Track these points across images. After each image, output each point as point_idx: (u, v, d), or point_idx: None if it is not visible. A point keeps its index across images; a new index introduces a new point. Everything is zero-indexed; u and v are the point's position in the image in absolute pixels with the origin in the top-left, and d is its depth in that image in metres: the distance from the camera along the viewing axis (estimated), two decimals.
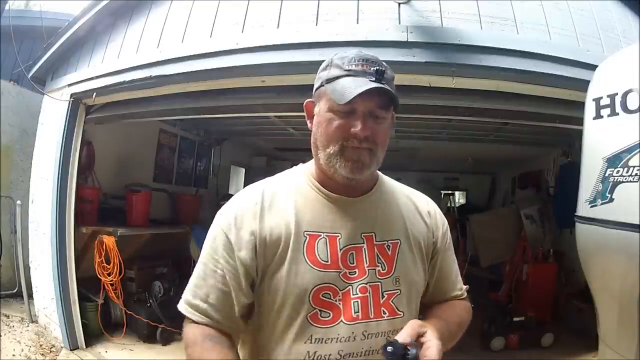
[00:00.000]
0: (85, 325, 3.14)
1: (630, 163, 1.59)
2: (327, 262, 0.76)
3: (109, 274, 3.12)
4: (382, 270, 0.79)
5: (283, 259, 0.76)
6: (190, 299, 0.78)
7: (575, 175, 1.95)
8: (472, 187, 8.82)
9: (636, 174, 1.57)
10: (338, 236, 0.78)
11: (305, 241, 0.77)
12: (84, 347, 3.07)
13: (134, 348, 3.20)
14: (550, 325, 3.55)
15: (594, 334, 2.01)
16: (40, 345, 3.03)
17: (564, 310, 3.91)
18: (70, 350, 2.99)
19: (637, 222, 1.53)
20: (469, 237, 5.04)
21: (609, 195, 1.67)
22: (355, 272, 0.77)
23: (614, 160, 1.66)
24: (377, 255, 0.79)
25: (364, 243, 0.79)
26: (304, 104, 0.85)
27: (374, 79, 0.73)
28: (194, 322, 0.77)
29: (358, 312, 0.76)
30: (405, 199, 0.90)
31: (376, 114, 0.76)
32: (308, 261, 0.76)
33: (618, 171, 1.64)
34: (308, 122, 0.84)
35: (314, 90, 0.82)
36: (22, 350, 2.90)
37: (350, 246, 0.78)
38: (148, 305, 3.32)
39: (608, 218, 1.67)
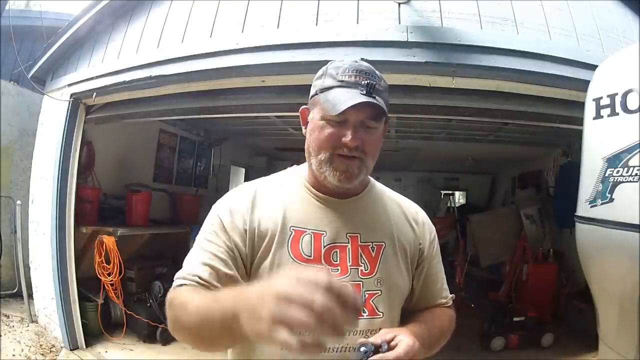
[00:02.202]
0: (85, 325, 3.14)
1: (630, 163, 1.59)
2: (310, 257, 0.79)
3: (109, 274, 3.12)
4: (365, 270, 0.81)
5: (268, 250, 0.79)
6: (182, 275, 0.77)
7: (575, 175, 1.95)
8: (472, 187, 8.82)
9: (636, 174, 1.57)
10: (323, 234, 0.81)
11: (290, 236, 0.80)
12: (84, 347, 3.07)
13: (134, 348, 3.20)
14: (550, 325, 3.55)
15: (594, 334, 2.01)
16: (40, 345, 3.03)
17: (564, 310, 3.91)
18: (70, 350, 2.99)
19: (637, 222, 1.54)
20: (469, 237, 5.04)
21: (609, 195, 1.67)
22: (337, 269, 0.80)
23: (614, 160, 1.66)
24: (361, 256, 0.82)
25: (348, 243, 0.82)
26: (300, 110, 0.88)
27: (364, 91, 0.75)
28: (179, 287, 0.76)
29: None
30: (394, 205, 0.92)
31: (367, 125, 0.78)
32: (291, 254, 0.79)
33: (618, 171, 1.64)
34: (303, 128, 0.87)
35: (309, 97, 0.85)
36: (22, 350, 2.90)
37: (334, 244, 0.81)
38: (148, 305, 3.32)
39: (608, 218, 1.68)
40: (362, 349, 0.70)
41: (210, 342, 0.71)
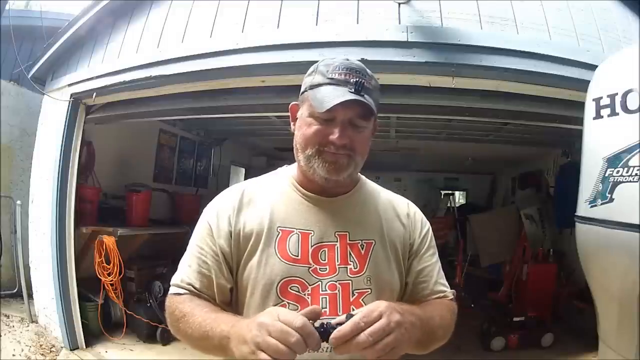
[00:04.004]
0: (85, 325, 3.14)
1: (630, 163, 1.59)
2: (297, 256, 0.79)
3: (109, 274, 3.12)
4: (354, 268, 0.80)
5: (255, 250, 0.80)
6: (177, 282, 0.82)
7: (575, 175, 1.95)
8: (472, 187, 8.83)
9: (636, 174, 1.57)
10: (310, 233, 0.81)
11: (277, 236, 0.80)
12: (84, 347, 3.06)
13: (134, 348, 3.20)
14: (550, 325, 3.55)
15: (594, 334, 2.01)
16: (40, 345, 3.03)
17: (564, 310, 3.91)
18: (70, 350, 2.99)
19: (637, 222, 1.53)
20: (469, 237, 5.03)
21: (609, 195, 1.67)
22: (326, 268, 0.79)
23: (614, 160, 1.66)
24: (350, 254, 0.81)
25: (337, 241, 0.81)
26: (290, 106, 0.88)
27: (353, 89, 0.75)
28: (176, 296, 0.82)
29: (326, 308, 0.77)
30: (385, 201, 0.91)
31: (355, 123, 0.78)
32: (278, 254, 0.79)
33: (618, 171, 1.64)
34: (291, 124, 0.87)
35: (300, 93, 0.84)
36: (22, 350, 2.90)
37: (322, 243, 0.81)
38: (148, 305, 3.32)
39: (608, 218, 1.67)
40: (316, 324, 0.62)
41: (207, 352, 0.77)
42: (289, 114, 0.89)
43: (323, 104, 0.74)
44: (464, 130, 4.34)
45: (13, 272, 3.66)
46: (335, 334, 0.61)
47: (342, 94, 0.74)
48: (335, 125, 0.76)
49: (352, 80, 0.76)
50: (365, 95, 0.76)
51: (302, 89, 0.83)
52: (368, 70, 0.80)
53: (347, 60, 0.79)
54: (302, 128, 0.80)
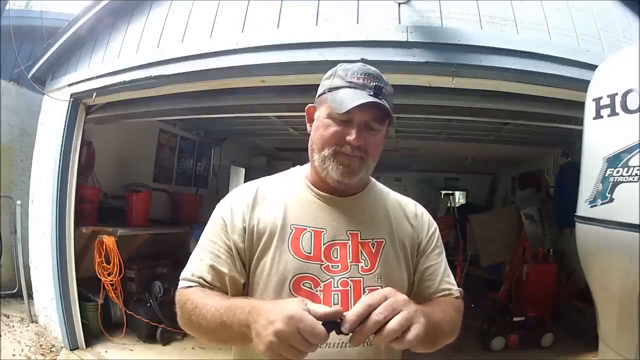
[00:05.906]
0: (85, 325, 3.14)
1: (630, 163, 1.59)
2: (310, 253, 0.81)
3: (109, 274, 3.12)
4: (365, 266, 0.83)
5: (268, 247, 0.82)
6: (187, 276, 0.82)
7: (575, 175, 1.95)
8: (472, 187, 8.82)
9: (636, 174, 1.57)
10: (323, 231, 0.83)
11: (290, 233, 0.82)
12: (84, 347, 3.07)
13: (134, 348, 3.20)
14: (550, 325, 3.55)
15: (594, 334, 2.01)
16: (40, 345, 3.03)
17: (564, 310, 3.91)
18: (70, 350, 2.99)
19: (637, 222, 1.53)
20: (469, 237, 5.03)
21: (609, 195, 1.67)
22: (337, 266, 0.81)
23: (614, 160, 1.66)
24: (361, 252, 0.83)
25: (348, 240, 0.84)
26: (306, 108, 0.91)
27: (372, 93, 0.78)
28: (186, 289, 0.81)
29: (337, 304, 0.79)
30: (394, 202, 0.94)
31: (371, 126, 0.81)
32: (291, 251, 0.81)
33: (618, 171, 1.64)
34: (308, 125, 0.89)
35: (316, 96, 0.87)
36: (22, 350, 2.90)
37: (334, 241, 0.83)
38: (148, 305, 3.32)
39: (608, 218, 1.67)
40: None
41: (224, 342, 0.78)
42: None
43: (342, 105, 0.76)
44: (464, 130, 4.34)
45: (13, 272, 3.66)
46: (348, 317, 0.62)
47: (361, 97, 0.77)
48: (352, 127, 0.79)
49: (370, 84, 0.79)
50: (383, 100, 0.79)
51: (320, 92, 0.86)
52: (384, 76, 0.83)
53: (365, 66, 0.83)
54: (320, 129, 0.82)
